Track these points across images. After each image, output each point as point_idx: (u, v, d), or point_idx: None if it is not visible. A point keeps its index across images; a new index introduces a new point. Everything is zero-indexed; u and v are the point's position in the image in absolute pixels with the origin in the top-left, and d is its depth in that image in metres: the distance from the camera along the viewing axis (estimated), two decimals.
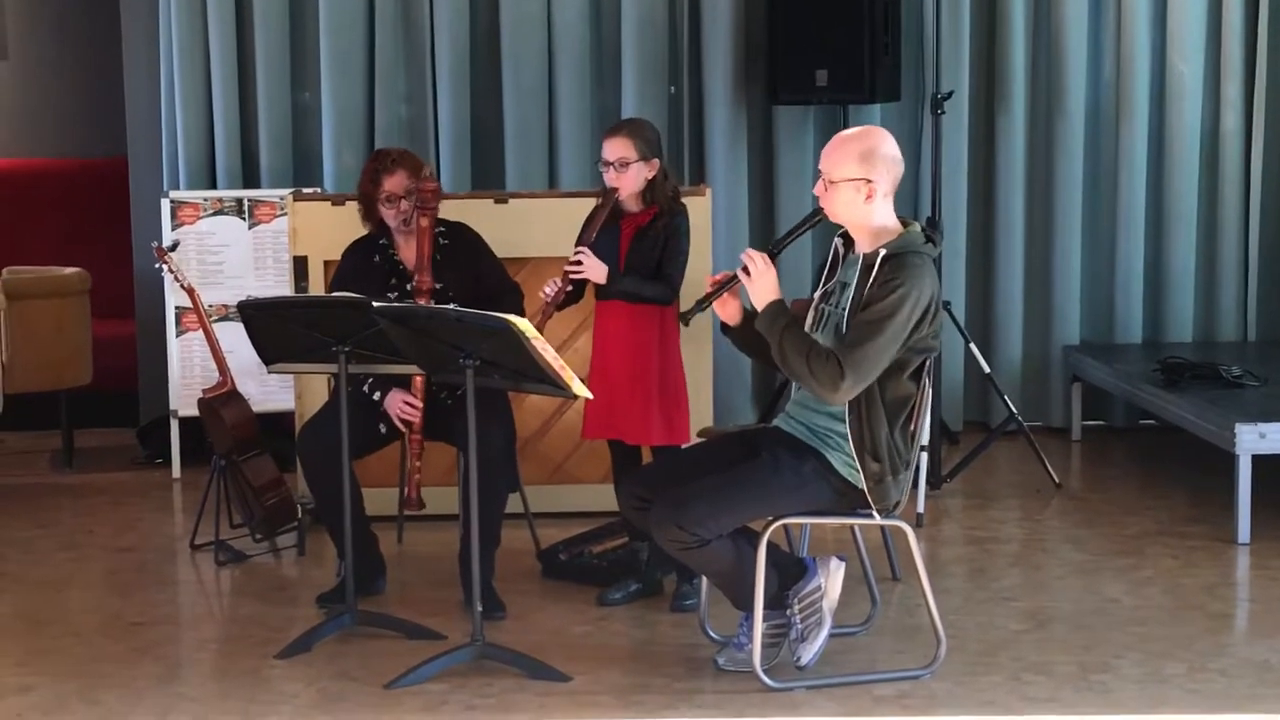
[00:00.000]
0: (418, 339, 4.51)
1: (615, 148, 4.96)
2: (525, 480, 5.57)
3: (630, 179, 4.96)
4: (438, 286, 5.11)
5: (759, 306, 4.29)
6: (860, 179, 4.26)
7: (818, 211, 4.39)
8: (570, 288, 4.97)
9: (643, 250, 4.98)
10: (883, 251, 4.23)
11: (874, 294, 4.19)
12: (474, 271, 5.23)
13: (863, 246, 4.32)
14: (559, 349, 5.42)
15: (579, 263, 4.90)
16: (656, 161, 4.99)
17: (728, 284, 4.35)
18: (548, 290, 4.94)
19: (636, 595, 5.09)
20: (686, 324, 4.62)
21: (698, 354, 5.59)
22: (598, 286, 5.00)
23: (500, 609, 4.94)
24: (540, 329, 4.86)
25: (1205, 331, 7.46)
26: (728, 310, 4.41)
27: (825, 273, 4.44)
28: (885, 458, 4.27)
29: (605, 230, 4.98)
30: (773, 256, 4.33)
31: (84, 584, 5.44)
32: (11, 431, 7.13)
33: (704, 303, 4.41)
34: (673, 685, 4.40)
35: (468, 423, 4.46)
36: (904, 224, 4.33)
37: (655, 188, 4.99)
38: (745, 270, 4.28)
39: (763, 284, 4.27)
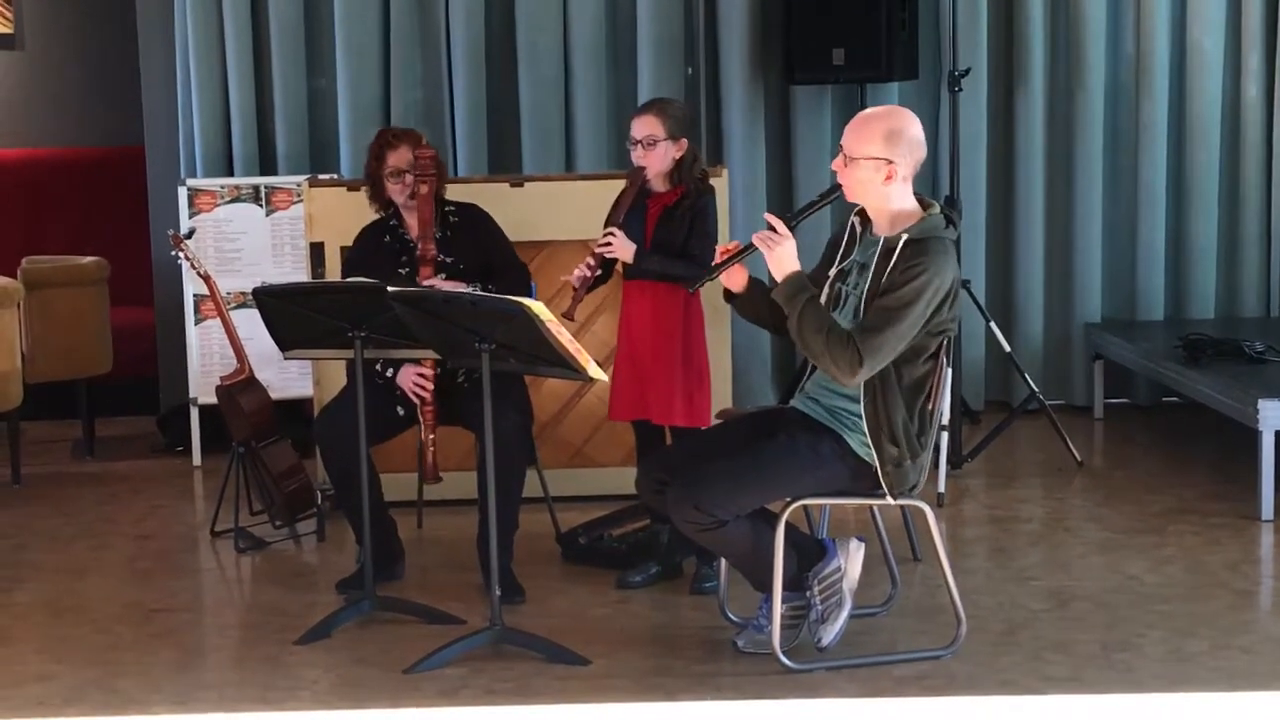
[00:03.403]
0: (433, 323, 4.50)
1: (643, 125, 4.94)
2: (544, 464, 5.56)
3: (657, 157, 4.94)
4: (448, 260, 5.12)
5: (778, 277, 4.25)
6: (882, 158, 4.22)
7: (836, 187, 4.35)
8: (600, 272, 4.95)
9: (669, 230, 4.96)
10: (905, 236, 4.20)
11: (895, 279, 4.16)
12: (483, 247, 5.25)
13: (881, 229, 4.29)
14: (579, 330, 5.41)
15: (609, 243, 4.89)
16: (685, 141, 4.97)
17: (740, 254, 4.32)
18: (576, 275, 4.92)
19: (656, 578, 5.08)
20: (692, 291, 4.60)
21: (717, 335, 5.57)
22: (625, 266, 4.99)
23: (519, 593, 4.93)
24: (571, 314, 4.86)
25: (1228, 307, 7.42)
26: (734, 278, 4.36)
27: (841, 251, 4.40)
28: (903, 441, 4.24)
29: (633, 210, 4.97)
30: (789, 226, 4.29)
31: (104, 572, 5.45)
32: (32, 420, 7.14)
33: (713, 272, 4.38)
34: (692, 668, 4.39)
35: (483, 407, 4.45)
36: (924, 205, 4.29)
37: (683, 168, 4.97)
38: (766, 239, 4.23)
39: (782, 252, 4.23)
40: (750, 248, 4.29)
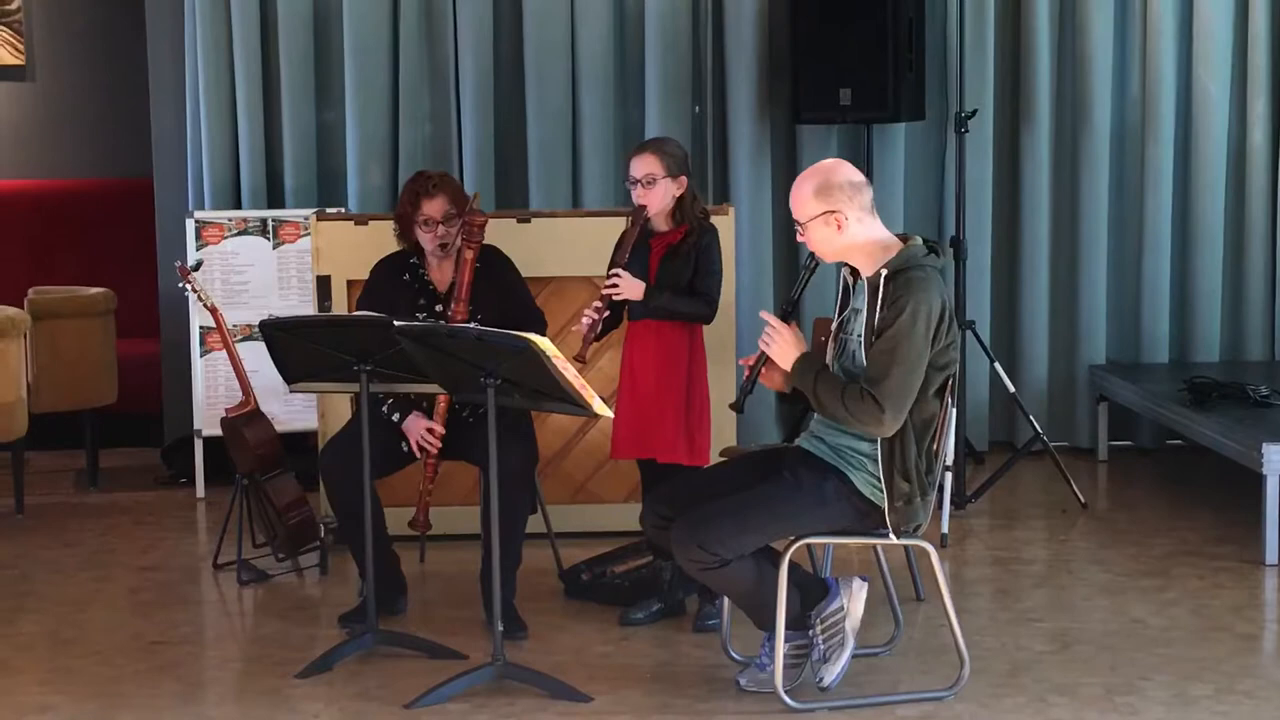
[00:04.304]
0: (439, 358, 4.50)
1: (642, 165, 4.96)
2: (548, 500, 5.57)
3: (658, 195, 4.95)
4: (468, 308, 5.12)
5: (785, 368, 4.30)
6: (824, 213, 4.26)
7: (811, 257, 4.42)
8: (608, 312, 4.96)
9: (673, 269, 4.97)
10: (884, 271, 4.23)
11: (884, 317, 4.19)
12: (501, 292, 5.23)
13: (865, 270, 4.32)
14: (584, 366, 5.41)
15: (615, 285, 4.90)
16: (684, 179, 4.99)
17: (758, 365, 4.39)
18: (585, 321, 4.92)
19: (659, 615, 5.07)
20: (740, 411, 4.61)
21: (722, 373, 5.56)
22: (631, 306, 4.99)
23: (522, 629, 4.93)
24: (583, 356, 4.87)
25: (1232, 350, 7.42)
26: (774, 381, 4.43)
27: (840, 303, 4.43)
28: (914, 478, 4.25)
29: (636, 250, 4.97)
30: (786, 316, 4.36)
31: (107, 603, 5.45)
32: (37, 451, 7.14)
33: (748, 387, 4.46)
34: (695, 706, 4.38)
35: (488, 442, 4.46)
36: (904, 240, 4.32)
37: (684, 206, 4.99)
38: (765, 340, 4.32)
39: (780, 346, 4.31)
40: (763, 355, 4.35)
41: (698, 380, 5.03)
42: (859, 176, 4.33)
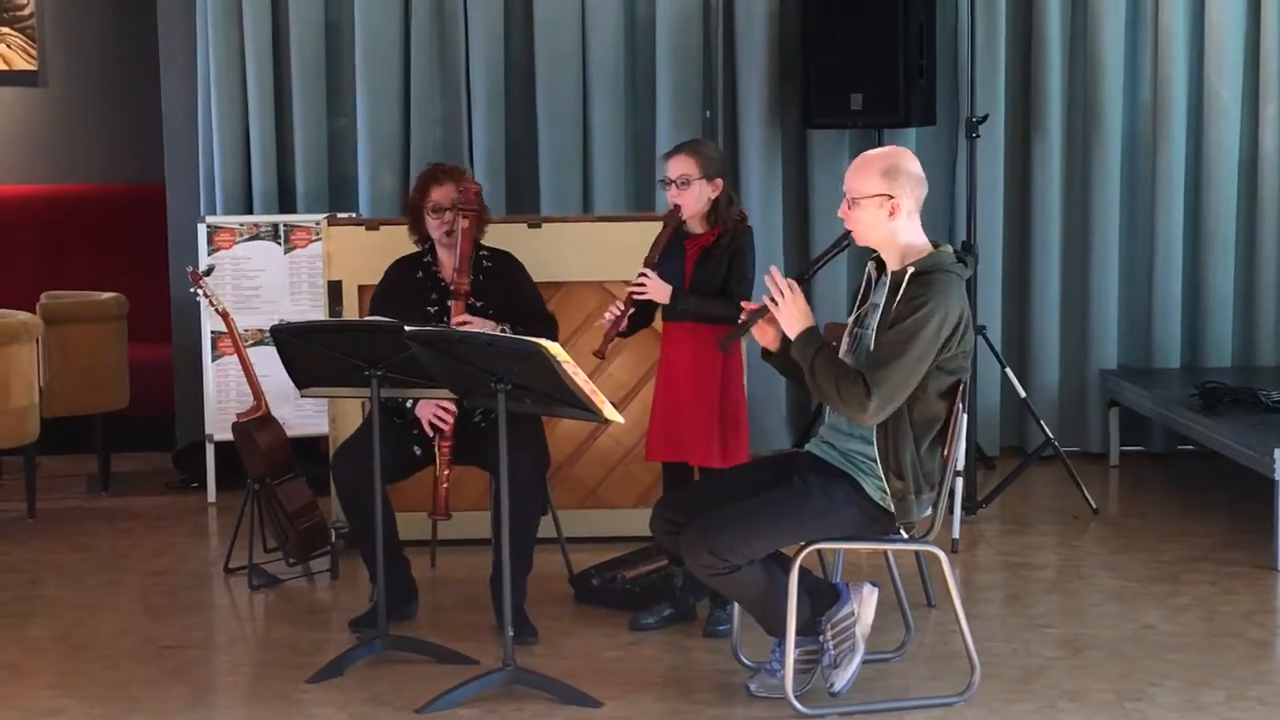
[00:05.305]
0: (449, 363, 4.51)
1: (677, 165, 4.96)
2: (558, 505, 5.57)
3: (692, 196, 4.94)
4: (478, 304, 5.14)
5: (791, 335, 4.29)
6: (883, 194, 4.26)
7: (845, 235, 4.39)
8: (633, 310, 4.95)
9: (707, 270, 4.96)
10: (910, 269, 4.23)
11: (900, 311, 4.19)
12: (511, 296, 5.25)
13: (892, 266, 4.32)
14: (595, 372, 5.42)
15: (641, 284, 4.90)
16: (720, 181, 4.97)
17: (759, 313, 4.36)
18: (608, 316, 4.92)
19: (669, 620, 5.07)
20: (725, 352, 4.61)
21: (749, 375, 5.55)
22: (665, 307, 4.98)
23: (532, 634, 4.93)
24: (602, 353, 4.87)
25: (1244, 355, 7.41)
26: (766, 336, 4.41)
27: (859, 298, 4.43)
28: (909, 476, 4.24)
29: (670, 251, 4.97)
30: (801, 282, 4.34)
31: (118, 607, 5.46)
32: (48, 455, 7.16)
33: (738, 332, 4.43)
34: (705, 711, 4.38)
35: (499, 447, 4.46)
36: (935, 245, 4.32)
37: (720, 208, 4.98)
38: (773, 300, 4.28)
39: (791, 312, 4.28)
40: (765, 308, 4.33)
41: (732, 382, 5.00)
42: (922, 173, 4.34)
